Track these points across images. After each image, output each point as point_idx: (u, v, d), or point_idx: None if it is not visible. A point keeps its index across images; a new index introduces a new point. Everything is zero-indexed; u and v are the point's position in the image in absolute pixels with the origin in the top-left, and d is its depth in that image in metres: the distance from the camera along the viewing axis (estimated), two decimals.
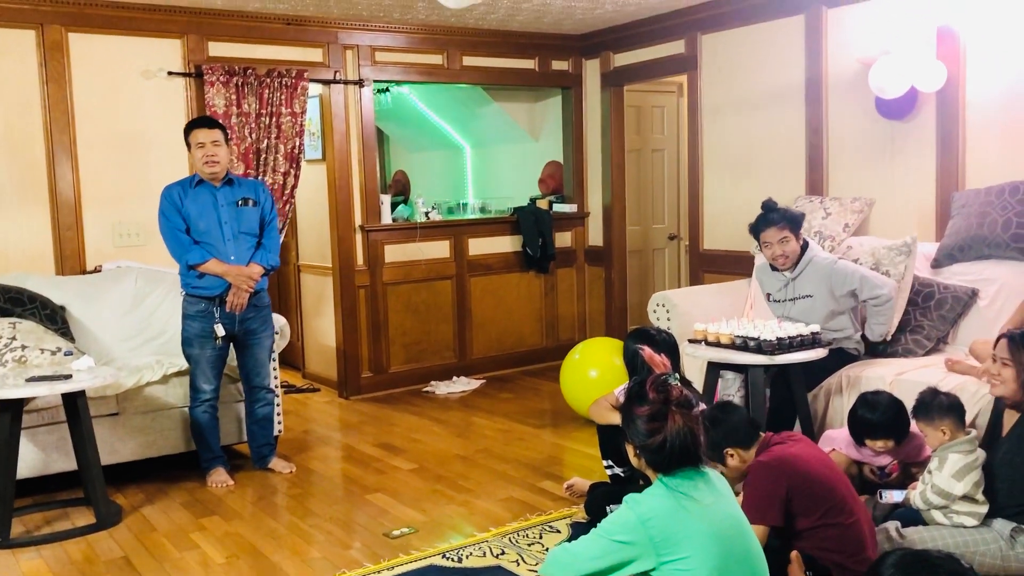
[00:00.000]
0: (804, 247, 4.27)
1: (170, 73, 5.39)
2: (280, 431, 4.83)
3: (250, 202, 4.44)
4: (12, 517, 3.80)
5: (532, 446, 4.93)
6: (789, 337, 3.78)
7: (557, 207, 7.04)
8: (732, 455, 3.07)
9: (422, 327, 6.46)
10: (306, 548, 3.63)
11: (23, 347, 4.23)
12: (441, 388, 6.28)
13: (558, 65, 6.97)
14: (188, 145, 4.39)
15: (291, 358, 6.80)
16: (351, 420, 5.64)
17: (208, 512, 4.05)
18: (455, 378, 6.48)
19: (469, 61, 6.55)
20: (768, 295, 4.44)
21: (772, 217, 4.24)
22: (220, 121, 5.26)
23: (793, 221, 4.23)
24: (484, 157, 8.19)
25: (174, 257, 4.38)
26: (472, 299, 6.67)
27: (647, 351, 2.92)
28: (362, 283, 6.20)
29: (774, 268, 4.34)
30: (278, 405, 4.78)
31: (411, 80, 6.48)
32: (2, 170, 4.98)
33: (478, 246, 6.70)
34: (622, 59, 6.68)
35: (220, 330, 4.34)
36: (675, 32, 6.12)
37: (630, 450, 2.44)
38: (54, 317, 4.61)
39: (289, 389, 6.36)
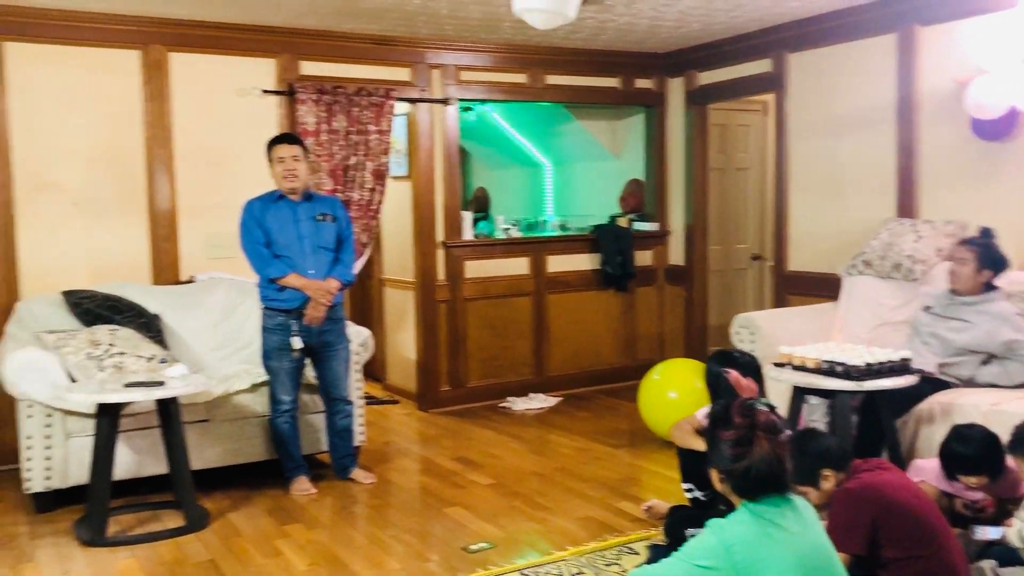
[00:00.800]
0: (988, 287, 4.22)
1: (264, 91, 5.57)
2: (362, 442, 4.91)
3: (328, 218, 4.55)
4: (109, 517, 3.96)
5: (609, 466, 4.91)
6: (878, 363, 3.69)
7: (637, 225, 7.02)
8: (827, 477, 3.00)
9: (500, 343, 6.50)
10: (385, 559, 3.68)
11: (121, 353, 4.40)
12: (518, 404, 6.31)
13: (642, 83, 6.96)
14: (270, 160, 4.50)
15: (372, 370, 6.89)
16: (430, 433, 5.70)
17: (291, 519, 4.15)
18: (531, 395, 6.50)
19: (552, 79, 6.60)
20: (928, 307, 4.37)
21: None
22: (309, 138, 5.44)
23: (985, 254, 4.22)
24: (564, 174, 8.22)
25: (255, 270, 4.49)
26: (550, 316, 6.68)
27: (733, 374, 2.89)
28: (442, 298, 6.27)
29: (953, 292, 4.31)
30: (360, 416, 4.87)
31: (495, 99, 6.56)
32: (104, 183, 5.21)
33: (557, 263, 6.72)
34: (707, 77, 6.64)
35: (297, 343, 4.43)
36: (762, 51, 6.06)
37: (714, 474, 2.42)
38: (150, 325, 4.79)
39: (370, 400, 6.45)
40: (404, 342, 6.57)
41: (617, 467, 4.89)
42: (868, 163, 5.45)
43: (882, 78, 5.31)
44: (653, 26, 5.80)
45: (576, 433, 5.60)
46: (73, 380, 4.24)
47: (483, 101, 6.81)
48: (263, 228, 4.43)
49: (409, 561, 3.66)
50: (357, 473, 4.69)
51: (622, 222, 6.95)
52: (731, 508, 2.36)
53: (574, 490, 4.50)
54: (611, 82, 6.84)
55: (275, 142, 4.51)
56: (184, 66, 5.37)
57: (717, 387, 3.45)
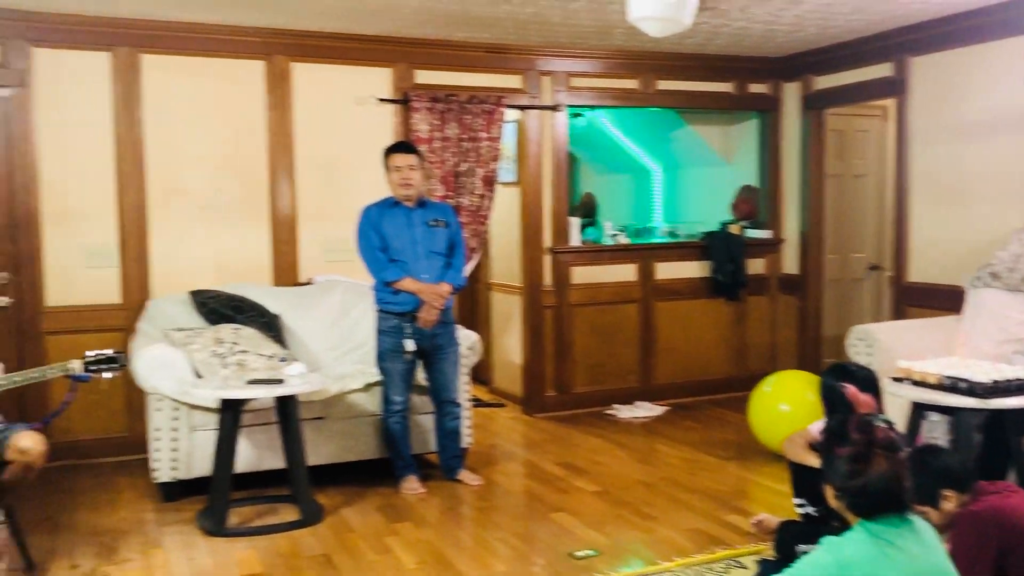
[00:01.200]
0: None
1: (380, 100, 5.72)
2: (469, 444, 4.98)
3: (441, 223, 4.65)
4: (229, 508, 4.14)
5: (717, 477, 4.83)
6: (1006, 380, 3.52)
7: (750, 232, 6.89)
8: (948, 498, 2.89)
9: (606, 349, 6.48)
10: (491, 561, 3.73)
11: (244, 351, 4.60)
12: (624, 412, 6.28)
13: (756, 88, 6.84)
14: (386, 167, 4.62)
15: (479, 373, 6.98)
16: (535, 437, 5.74)
17: (401, 518, 4.25)
18: (637, 403, 6.45)
19: (664, 85, 6.55)
20: None
21: None
22: (422, 146, 5.57)
23: None
24: (674, 180, 8.14)
25: (371, 273, 4.62)
26: (658, 324, 6.63)
27: (851, 389, 2.81)
28: (549, 303, 6.30)
29: None
30: (467, 418, 4.94)
31: (605, 105, 6.56)
32: (230, 188, 5.45)
33: (666, 270, 6.66)
34: (824, 82, 6.47)
35: (410, 345, 4.54)
36: (882, 54, 5.87)
37: (829, 491, 2.36)
38: (270, 325, 4.99)
39: (477, 403, 6.53)
40: (510, 346, 6.63)
41: (725, 479, 4.82)
42: (997, 170, 5.21)
43: (1014, 82, 5.07)
44: (768, 31, 5.69)
45: (683, 443, 5.54)
46: (199, 376, 4.45)
47: (593, 107, 6.82)
48: (379, 233, 4.55)
49: (515, 564, 3.70)
50: (464, 475, 4.77)
51: (734, 229, 6.84)
52: (845, 526, 2.30)
53: (681, 500, 4.45)
54: (724, 87, 6.74)
55: (392, 150, 4.63)
56: (305, 76, 5.57)
57: (833, 401, 3.35)
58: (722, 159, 7.45)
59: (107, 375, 3.61)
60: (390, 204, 4.62)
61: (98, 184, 5.15)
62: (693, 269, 6.73)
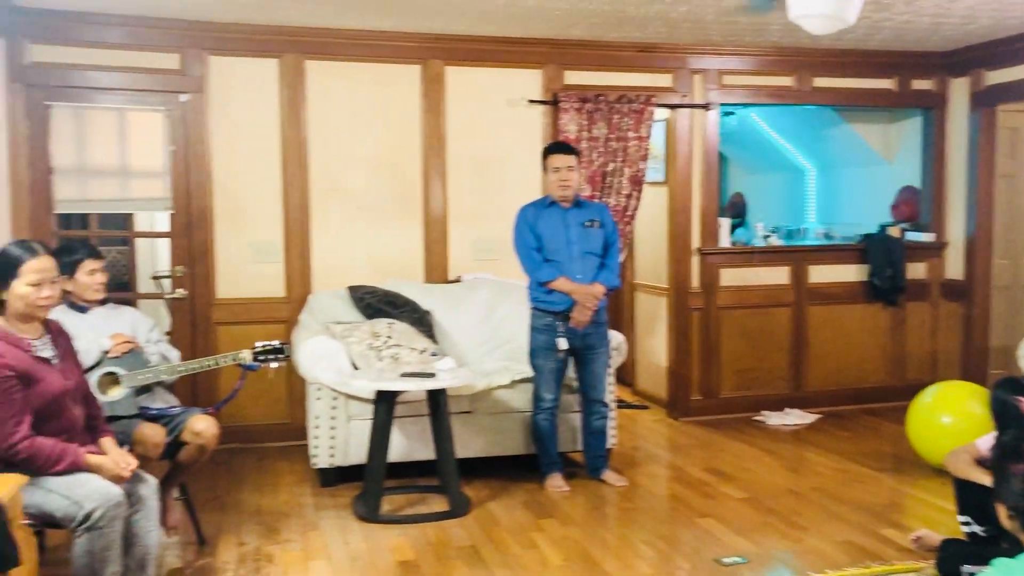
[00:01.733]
0: None
1: (530, 101, 5.80)
2: (613, 444, 4.98)
3: (596, 224, 4.66)
4: (382, 496, 4.30)
5: (872, 490, 4.65)
6: None
7: (911, 235, 6.57)
8: None
9: (755, 354, 6.34)
10: (636, 562, 3.73)
11: (397, 345, 4.77)
12: (773, 419, 6.12)
13: (919, 84, 6.52)
14: (544, 167, 4.68)
15: (623, 374, 6.96)
16: (680, 441, 5.68)
17: (546, 514, 4.30)
18: (787, 409, 6.27)
19: (821, 82, 6.33)
20: None
21: None
22: (575, 146, 5.60)
23: None
24: (829, 180, 7.86)
25: (526, 273, 4.69)
26: (810, 329, 6.42)
27: None
28: (696, 305, 6.22)
29: None
30: (612, 419, 4.95)
31: (758, 102, 6.41)
32: (385, 189, 5.65)
33: (820, 273, 6.45)
34: (997, 77, 6.09)
35: (563, 343, 4.58)
36: None
37: (1001, 510, 2.24)
38: (422, 320, 5.15)
39: (620, 404, 6.51)
40: (655, 348, 6.57)
41: (880, 491, 4.62)
42: None
43: None
44: (935, 23, 5.41)
45: (835, 453, 5.35)
46: (355, 368, 4.65)
47: (746, 105, 6.67)
48: (535, 233, 4.61)
49: (660, 567, 3.68)
50: (609, 475, 4.77)
51: (893, 231, 6.54)
52: (1016, 547, 2.18)
53: (833, 512, 4.31)
54: (885, 83, 6.46)
55: (551, 151, 4.69)
56: (458, 79, 5.71)
57: (1005, 416, 3.18)
58: (882, 158, 7.13)
59: (274, 365, 3.83)
60: (546, 204, 4.67)
61: (265, 184, 5.45)
62: (849, 273, 6.49)
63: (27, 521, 2.75)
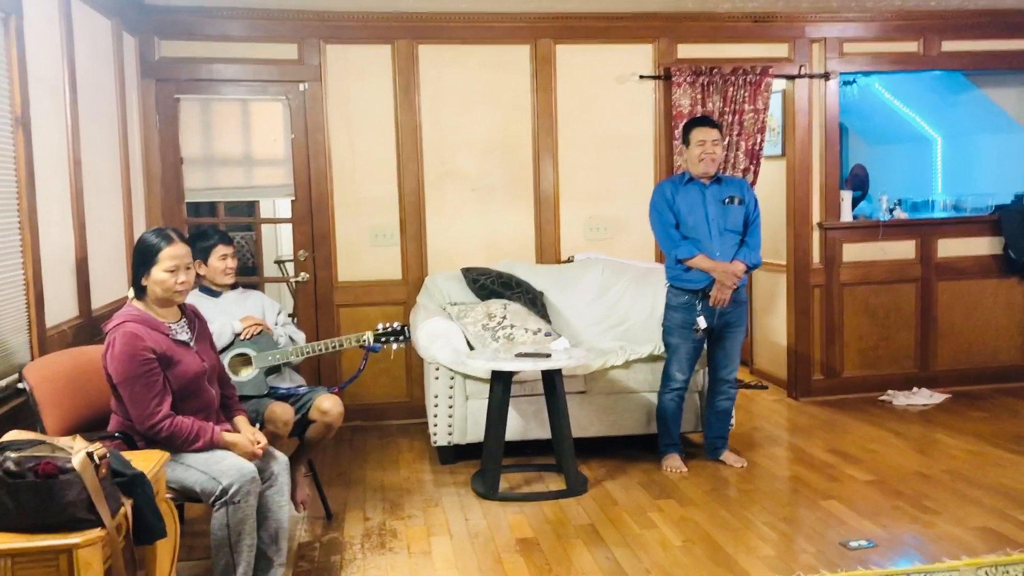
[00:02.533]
0: None
1: (641, 77, 5.72)
2: (732, 425, 4.90)
3: (736, 200, 4.54)
4: (500, 474, 4.36)
5: (1010, 474, 4.42)
6: None
7: None
8: None
9: (880, 332, 6.11)
10: (758, 544, 3.66)
11: (512, 326, 4.81)
12: (900, 399, 5.89)
13: None
14: (687, 141, 4.55)
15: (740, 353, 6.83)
16: (801, 422, 5.53)
17: (664, 495, 4.27)
18: (915, 389, 6.03)
19: (949, 46, 6.02)
20: None
21: None
22: (682, 120, 5.51)
23: None
24: (958, 149, 7.47)
25: (663, 250, 4.62)
26: (939, 305, 6.14)
27: None
28: (817, 282, 6.03)
29: None
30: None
31: (881, 70, 6.13)
32: (497, 170, 5.69)
33: (949, 247, 6.16)
34: None
35: (702, 322, 4.49)
36: None
37: None
38: (535, 301, 5.17)
39: (738, 384, 6.40)
40: (774, 327, 6.42)
41: (1019, 476, 4.40)
42: None
43: None
44: None
45: (968, 434, 5.12)
46: (471, 348, 4.71)
47: (867, 73, 6.40)
48: (672, 210, 4.53)
49: (783, 549, 3.61)
50: (728, 455, 4.70)
51: None
52: None
53: (967, 496, 4.13)
54: (1022, 44, 6.08)
55: (695, 124, 4.57)
56: (568, 57, 5.68)
57: None
58: (1018, 125, 6.73)
59: (395, 346, 3.92)
60: (684, 180, 4.57)
61: (381, 169, 5.56)
62: (982, 246, 6.17)
63: (169, 495, 2.91)
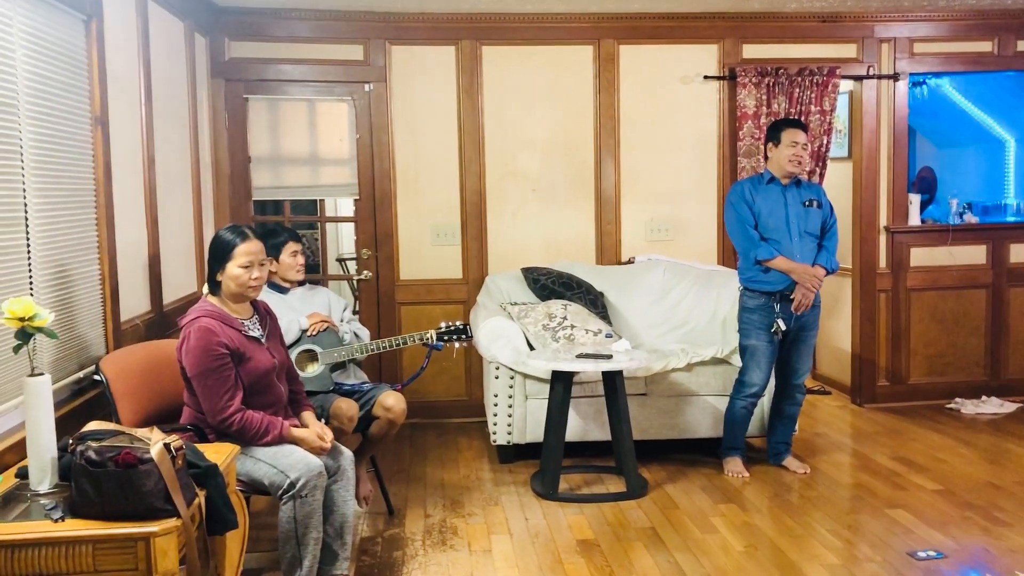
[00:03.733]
0: None
1: (706, 77, 5.67)
2: (795, 430, 4.83)
3: (815, 203, 4.50)
4: (560, 474, 4.36)
5: None
6: None
7: None
8: None
9: (948, 338, 5.97)
10: (822, 552, 3.61)
11: (572, 327, 4.81)
12: (968, 407, 5.74)
13: None
14: (777, 141, 4.48)
15: None
16: (865, 429, 5.43)
17: (726, 499, 4.23)
18: (984, 397, 5.88)
19: None
20: None
21: None
22: (748, 122, 5.47)
23: None
24: None
25: (740, 250, 4.55)
26: (1011, 312, 5.98)
27: None
28: (883, 287, 5.91)
29: None
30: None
31: (953, 71, 5.98)
32: (559, 170, 5.69)
33: (1021, 253, 5.99)
34: None
35: (783, 324, 4.43)
36: None
37: None
38: (596, 302, 5.16)
39: None
40: (838, 331, 6.31)
41: None
42: None
43: None
44: None
45: None
46: (531, 348, 4.72)
47: (938, 74, 6.25)
48: (752, 210, 4.48)
49: (848, 558, 3.55)
50: (790, 461, 4.63)
51: None
52: None
53: None
54: None
55: (788, 124, 4.52)
56: (632, 57, 5.65)
57: None
58: None
59: (457, 345, 3.95)
60: (764, 181, 4.53)
61: (444, 168, 5.60)
62: None
63: (239, 487, 2.97)
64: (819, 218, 4.48)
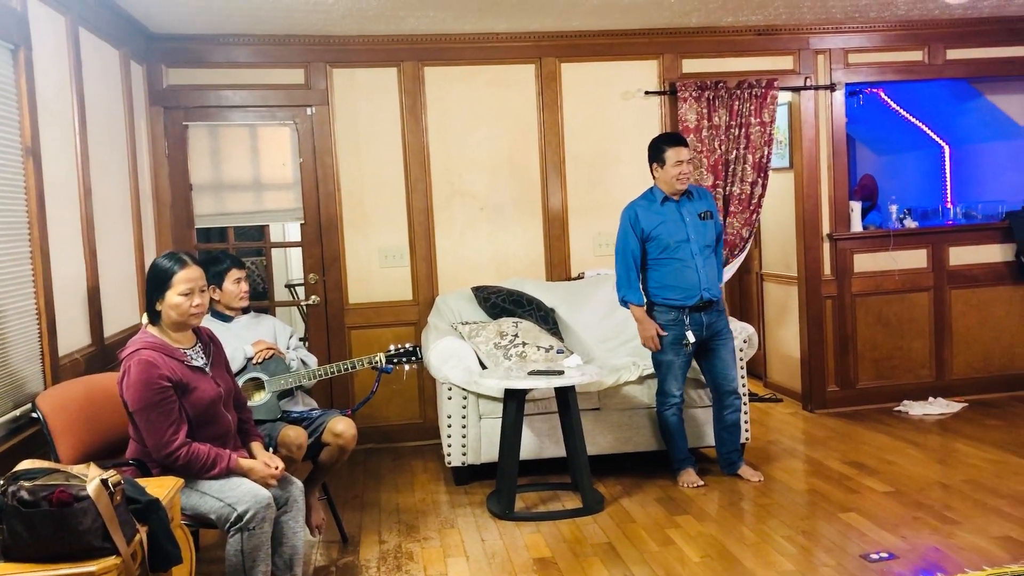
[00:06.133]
0: None
1: (647, 92, 5.73)
2: (747, 439, 4.87)
3: (708, 215, 4.57)
4: (516, 493, 4.33)
5: None
6: None
7: None
8: None
9: (894, 342, 6.07)
10: (777, 559, 3.62)
11: (524, 344, 4.80)
12: (915, 408, 5.84)
13: None
14: (661, 161, 4.51)
15: (753, 367, 6.79)
16: (817, 434, 5.49)
17: (681, 510, 4.24)
18: (931, 398, 5.99)
19: (954, 54, 6.02)
20: None
21: None
22: (690, 135, 5.55)
23: None
24: (967, 156, 7.45)
25: (617, 282, 4.55)
26: (952, 313, 6.11)
27: None
28: (829, 293, 6.01)
29: None
30: (745, 412, 4.83)
31: (886, 80, 6.12)
32: (506, 188, 5.70)
33: (960, 255, 6.13)
34: None
35: (691, 336, 4.49)
36: None
37: None
38: (547, 318, 5.16)
39: (752, 398, 6.37)
40: (786, 339, 6.39)
41: None
42: None
43: None
44: None
45: (986, 443, 5.07)
46: (484, 367, 4.70)
47: (873, 83, 6.39)
48: (649, 232, 4.48)
49: (803, 563, 3.57)
50: (744, 470, 4.66)
51: None
52: None
53: (988, 505, 4.08)
54: None
55: (672, 143, 4.52)
56: (574, 75, 5.70)
57: None
58: None
59: (407, 367, 3.91)
60: (659, 200, 4.56)
61: (390, 190, 5.57)
62: (993, 253, 6.14)
63: (185, 521, 2.90)
64: (713, 229, 4.58)
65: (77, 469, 2.33)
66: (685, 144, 4.53)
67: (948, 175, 7.62)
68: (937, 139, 7.61)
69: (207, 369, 3.09)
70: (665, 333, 4.51)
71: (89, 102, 4.04)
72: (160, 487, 2.68)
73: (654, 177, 4.58)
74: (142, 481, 2.65)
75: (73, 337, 3.69)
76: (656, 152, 4.54)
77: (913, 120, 7.55)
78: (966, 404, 5.91)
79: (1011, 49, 6.05)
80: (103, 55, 4.40)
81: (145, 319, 3.08)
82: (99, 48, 4.32)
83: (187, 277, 3.01)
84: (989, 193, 6.95)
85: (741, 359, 4.83)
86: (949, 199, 7.48)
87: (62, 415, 3.02)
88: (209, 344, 3.19)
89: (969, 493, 4.26)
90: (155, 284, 3.02)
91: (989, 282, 6.13)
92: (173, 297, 3.00)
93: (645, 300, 4.58)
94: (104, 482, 2.26)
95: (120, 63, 4.64)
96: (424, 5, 4.78)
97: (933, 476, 4.55)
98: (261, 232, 6.64)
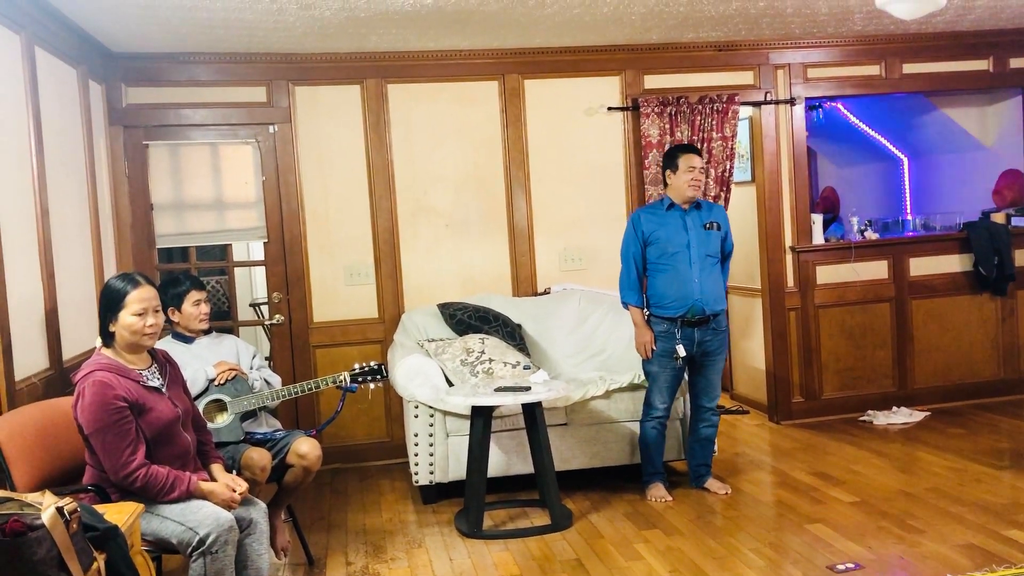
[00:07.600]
0: None
1: (609, 108, 5.77)
2: (715, 452, 4.88)
3: (715, 226, 4.59)
4: (484, 511, 4.31)
5: (992, 489, 4.43)
6: None
7: (1016, 221, 6.27)
8: None
9: (857, 352, 6.14)
10: (745, 571, 3.63)
11: (490, 360, 4.79)
12: (880, 418, 5.91)
13: (1017, 63, 6.23)
14: (675, 167, 4.55)
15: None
16: (783, 445, 5.53)
17: (650, 525, 4.23)
18: (895, 408, 6.05)
19: (910, 68, 6.12)
20: None
21: None
22: (652, 151, 5.59)
23: None
24: (925, 169, 7.58)
25: (620, 284, 4.62)
26: (914, 323, 6.19)
27: None
28: (792, 305, 6.06)
29: None
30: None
31: (845, 94, 6.22)
32: (471, 204, 5.69)
33: (920, 266, 6.22)
34: None
35: (681, 350, 4.49)
36: None
37: None
38: (513, 334, 5.15)
39: (720, 411, 6.39)
40: (752, 351, 6.43)
41: (1001, 490, 4.41)
42: None
43: None
44: None
45: (949, 451, 5.13)
46: (450, 384, 4.68)
47: (832, 97, 6.49)
48: (653, 237, 4.54)
49: (770, 575, 3.58)
50: (712, 483, 4.68)
51: (998, 218, 6.26)
52: None
53: (951, 513, 4.13)
54: (979, 65, 6.20)
55: (683, 151, 4.59)
56: (536, 91, 5.72)
57: None
58: (980, 143, 6.85)
59: (372, 386, 3.89)
60: (664, 207, 4.60)
61: (354, 208, 5.55)
62: (952, 263, 6.23)
63: (145, 547, 2.84)
64: (719, 240, 4.59)
65: (31, 497, 2.27)
66: (698, 153, 4.61)
67: (907, 187, 7.75)
68: (896, 152, 7.75)
69: (163, 389, 3.04)
70: (655, 347, 4.53)
71: (46, 121, 3.98)
72: (120, 513, 2.63)
73: (667, 184, 4.63)
74: (101, 507, 2.60)
75: (30, 360, 3.61)
76: (670, 159, 4.62)
77: (872, 133, 7.68)
78: (929, 413, 5.98)
79: (964, 63, 6.17)
80: (60, 74, 4.34)
81: (99, 342, 3.02)
82: (56, 67, 4.27)
83: (140, 297, 2.97)
84: (947, 204, 7.07)
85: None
86: (909, 210, 7.60)
87: (18, 441, 2.95)
88: (165, 365, 3.14)
89: (933, 502, 4.31)
90: (108, 305, 2.98)
91: (949, 292, 6.22)
92: (126, 317, 2.95)
93: (646, 306, 4.60)
94: (60, 510, 2.21)
95: (78, 82, 4.58)
96: (386, 23, 4.78)
97: (897, 485, 4.59)
98: (224, 251, 6.56)
